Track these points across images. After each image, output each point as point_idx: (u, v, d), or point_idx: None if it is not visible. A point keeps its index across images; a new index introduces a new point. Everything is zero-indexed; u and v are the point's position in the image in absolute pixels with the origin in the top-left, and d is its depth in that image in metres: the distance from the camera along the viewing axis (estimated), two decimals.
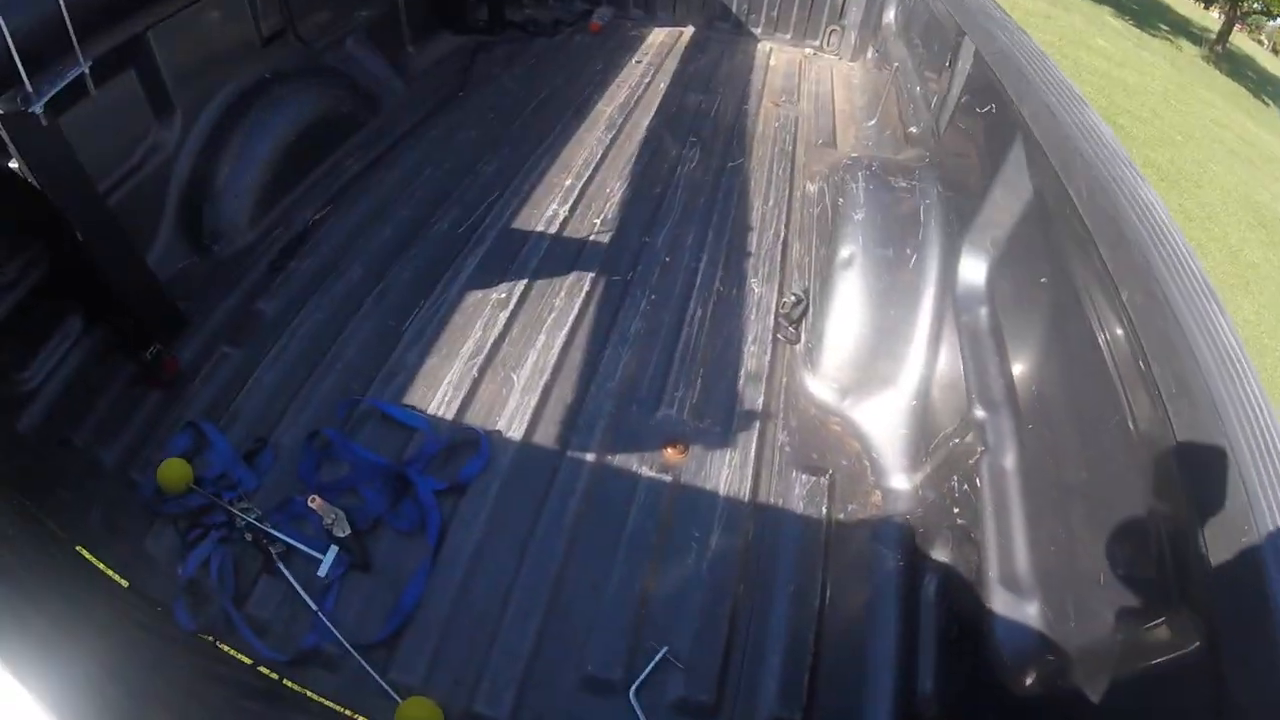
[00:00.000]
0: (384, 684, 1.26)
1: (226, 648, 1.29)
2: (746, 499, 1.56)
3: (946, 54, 2.20)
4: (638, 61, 3.20)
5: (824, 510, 1.59)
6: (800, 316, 1.97)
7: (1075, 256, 1.37)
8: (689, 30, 3.62)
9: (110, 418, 1.56)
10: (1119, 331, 1.15)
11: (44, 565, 0.99)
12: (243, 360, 1.73)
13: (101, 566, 1.37)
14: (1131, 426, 1.10)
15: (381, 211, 2.12)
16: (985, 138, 1.86)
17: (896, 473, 1.68)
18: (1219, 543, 0.85)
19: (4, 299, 1.44)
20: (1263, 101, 12.01)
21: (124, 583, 1.35)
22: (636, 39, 3.49)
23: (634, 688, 1.30)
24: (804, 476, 1.64)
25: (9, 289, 1.46)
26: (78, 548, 1.38)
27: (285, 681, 1.28)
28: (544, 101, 2.70)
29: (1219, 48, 13.18)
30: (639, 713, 1.28)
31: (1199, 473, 0.90)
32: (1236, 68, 13.09)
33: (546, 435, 1.57)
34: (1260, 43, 14.39)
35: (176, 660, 0.97)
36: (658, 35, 3.56)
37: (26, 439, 1.47)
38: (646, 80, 2.96)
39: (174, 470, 1.47)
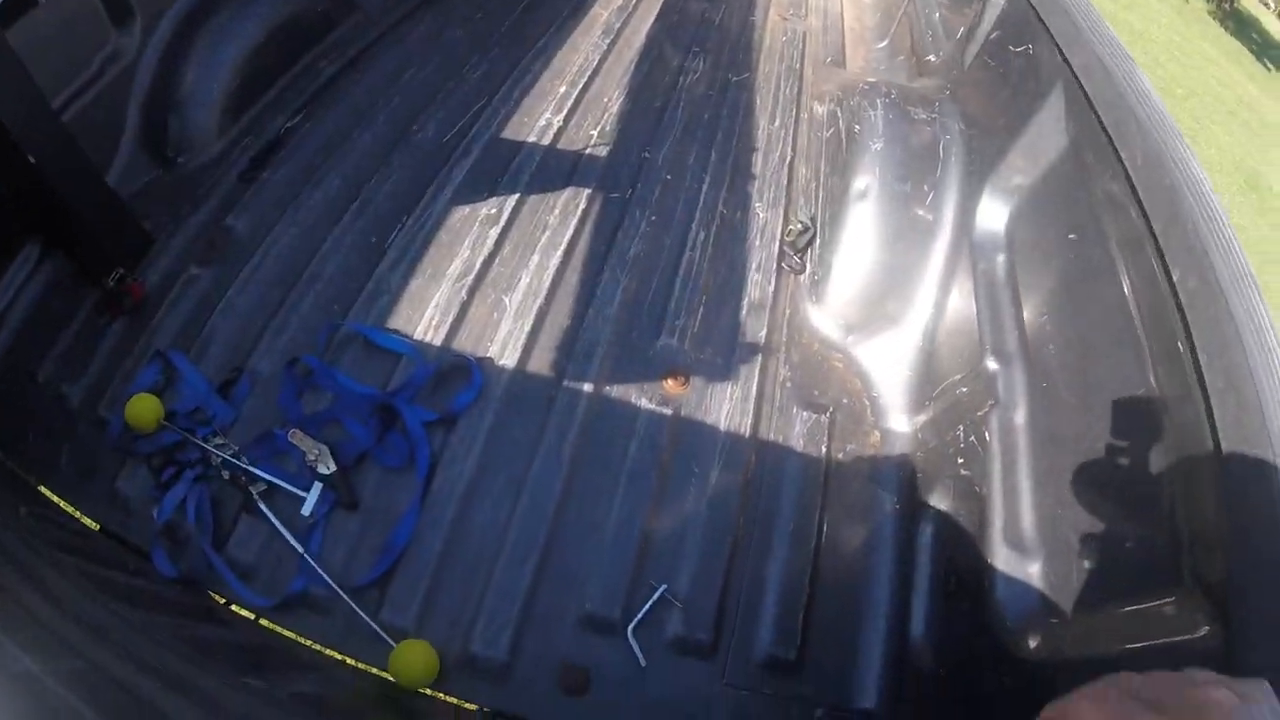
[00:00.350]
0: (376, 627, 1.21)
1: (216, 596, 1.23)
2: (747, 435, 1.51)
3: None
4: None
5: (824, 449, 1.54)
6: (806, 245, 1.87)
7: (1112, 219, 1.31)
8: None
9: (74, 352, 1.44)
10: (1160, 308, 1.11)
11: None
12: (213, 282, 1.61)
13: (70, 509, 1.28)
14: (1159, 402, 1.07)
15: (360, 117, 1.95)
16: (1019, 79, 1.74)
17: (897, 414, 1.64)
18: (1245, 539, 0.83)
19: None
20: (1265, 66, 11.74)
21: (94, 525, 1.27)
22: None
23: (632, 626, 1.27)
24: (805, 413, 1.58)
25: None
26: (41, 488, 1.29)
27: (262, 621, 1.22)
28: (535, 1, 2.48)
29: (1226, 5, 12.78)
30: (637, 651, 1.26)
31: (1236, 468, 0.87)
32: (1242, 28, 12.73)
33: (541, 363, 1.48)
34: (1267, 5, 13.97)
35: (157, 637, 0.90)
36: None
37: None
38: None
39: (143, 406, 1.37)
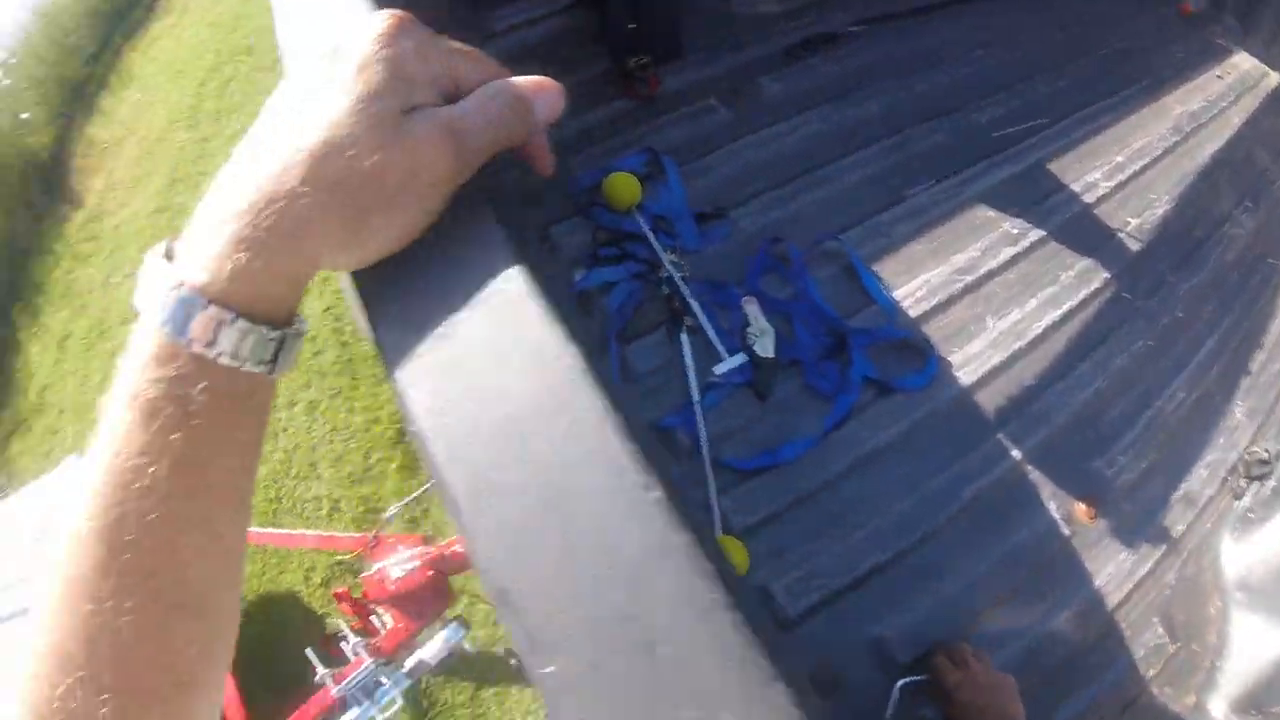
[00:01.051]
0: (716, 506, 1.21)
1: None
2: (1106, 607, 1.36)
3: None
4: (1219, 76, 2.61)
5: (1149, 673, 1.37)
6: (1257, 477, 1.63)
7: None
8: (1275, 78, 2.91)
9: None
10: None
11: None
12: (728, 123, 1.62)
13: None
14: None
15: (921, 63, 1.88)
16: None
17: (1226, 698, 1.42)
18: None
19: None
20: None
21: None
22: (1222, 50, 2.85)
23: (904, 681, 1.20)
24: (1159, 629, 1.41)
25: None
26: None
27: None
28: (1116, 56, 2.26)
29: None
30: (892, 703, 1.19)
31: None
32: None
33: (990, 401, 1.39)
34: None
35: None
36: (1244, 60, 2.89)
37: None
38: (1224, 103, 2.42)
39: (627, 183, 1.39)
